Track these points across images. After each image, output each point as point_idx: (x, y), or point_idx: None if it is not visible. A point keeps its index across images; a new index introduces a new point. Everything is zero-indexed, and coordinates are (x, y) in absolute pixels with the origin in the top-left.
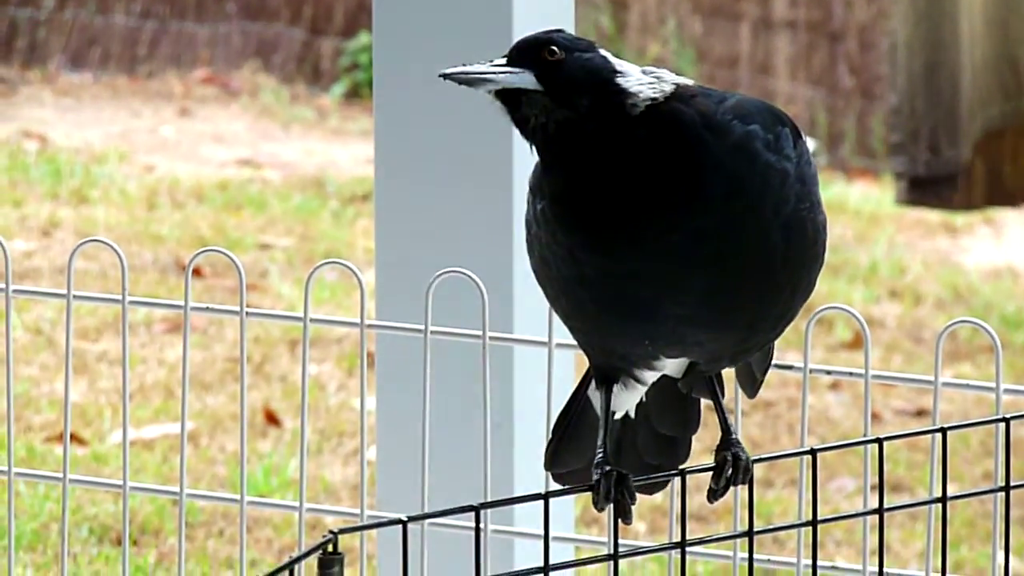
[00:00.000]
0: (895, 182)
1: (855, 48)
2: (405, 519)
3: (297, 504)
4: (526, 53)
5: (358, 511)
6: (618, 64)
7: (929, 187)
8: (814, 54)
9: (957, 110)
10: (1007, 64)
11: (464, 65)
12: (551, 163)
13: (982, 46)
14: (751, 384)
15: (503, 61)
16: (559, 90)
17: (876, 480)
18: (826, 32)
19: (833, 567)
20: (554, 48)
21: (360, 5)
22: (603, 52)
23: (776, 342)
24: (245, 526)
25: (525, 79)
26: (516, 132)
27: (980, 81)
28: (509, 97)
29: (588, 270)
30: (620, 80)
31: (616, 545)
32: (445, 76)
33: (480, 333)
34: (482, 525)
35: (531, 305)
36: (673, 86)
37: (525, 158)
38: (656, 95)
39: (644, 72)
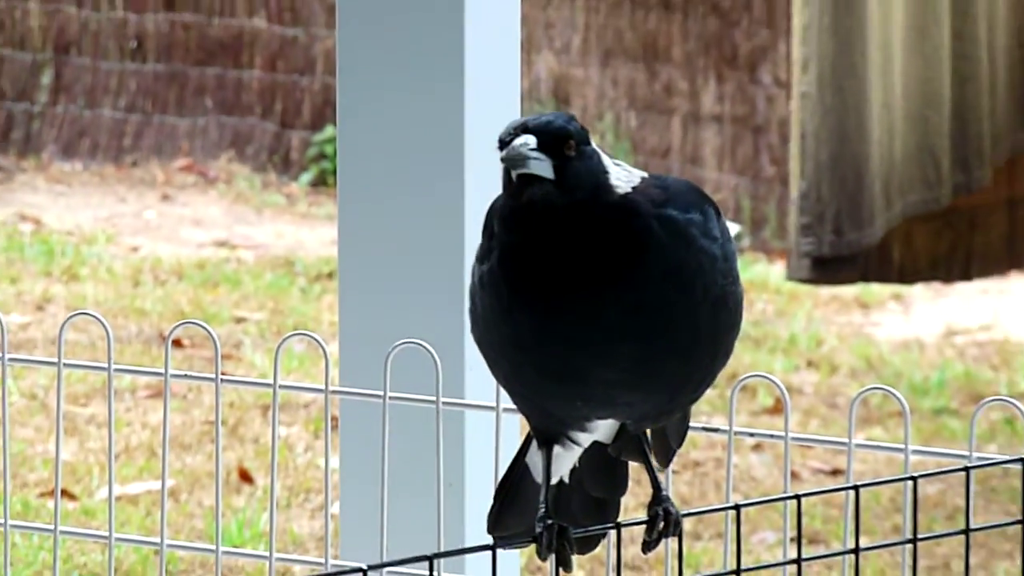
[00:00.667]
0: (799, 261)
1: (776, 140)
2: (365, 568)
3: (268, 554)
4: (551, 142)
5: (323, 560)
6: (607, 161)
7: (831, 266)
8: (739, 145)
9: (861, 197)
10: (928, 155)
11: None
12: (518, 226)
13: (902, 139)
14: (665, 454)
15: (533, 142)
16: (567, 182)
17: (795, 533)
18: (750, 126)
19: None
20: (571, 142)
21: (326, 101)
22: (596, 147)
23: (704, 407)
24: (220, 574)
25: (544, 167)
26: (467, 219)
27: (900, 170)
28: (526, 176)
29: (525, 332)
30: (610, 179)
31: None
32: (501, 156)
33: (434, 398)
34: (435, 573)
35: (481, 373)
36: (639, 179)
37: (474, 243)
38: (627, 188)
39: (616, 165)
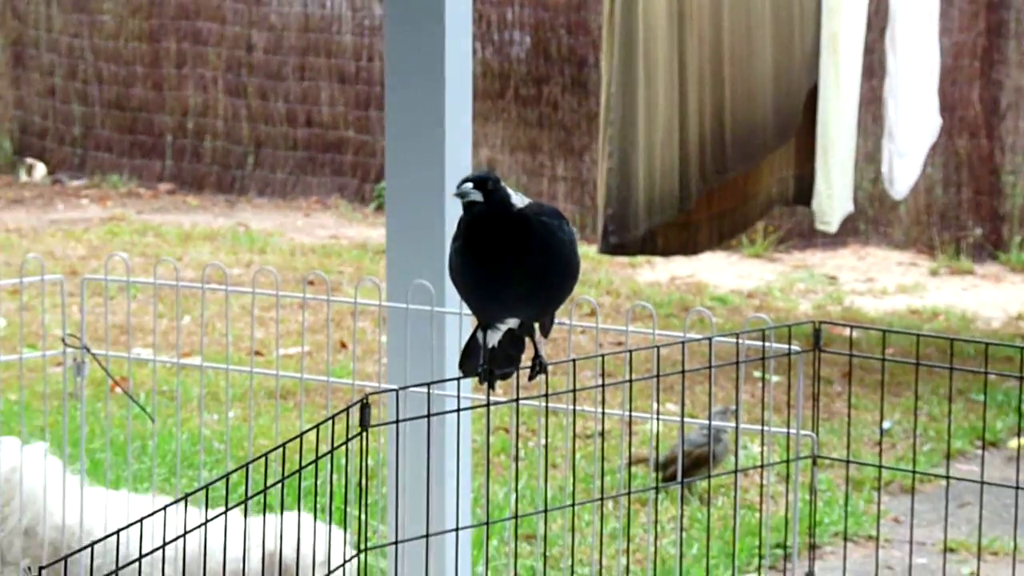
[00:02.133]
0: (602, 244)
1: (592, 188)
2: (396, 388)
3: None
4: (480, 183)
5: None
6: (510, 191)
7: (617, 248)
8: (574, 189)
9: (635, 212)
10: (670, 188)
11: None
12: (471, 227)
13: (659, 178)
14: (544, 332)
15: (471, 184)
16: (490, 203)
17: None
18: (580, 181)
19: None
20: (489, 182)
21: None
22: (504, 185)
23: (561, 312)
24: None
25: (476, 195)
26: (447, 226)
27: (656, 197)
28: (468, 201)
29: (475, 277)
30: (512, 200)
31: (519, 397)
32: (454, 193)
33: (430, 307)
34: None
35: (454, 297)
36: (528, 202)
37: (451, 235)
38: (522, 206)
39: (516, 193)
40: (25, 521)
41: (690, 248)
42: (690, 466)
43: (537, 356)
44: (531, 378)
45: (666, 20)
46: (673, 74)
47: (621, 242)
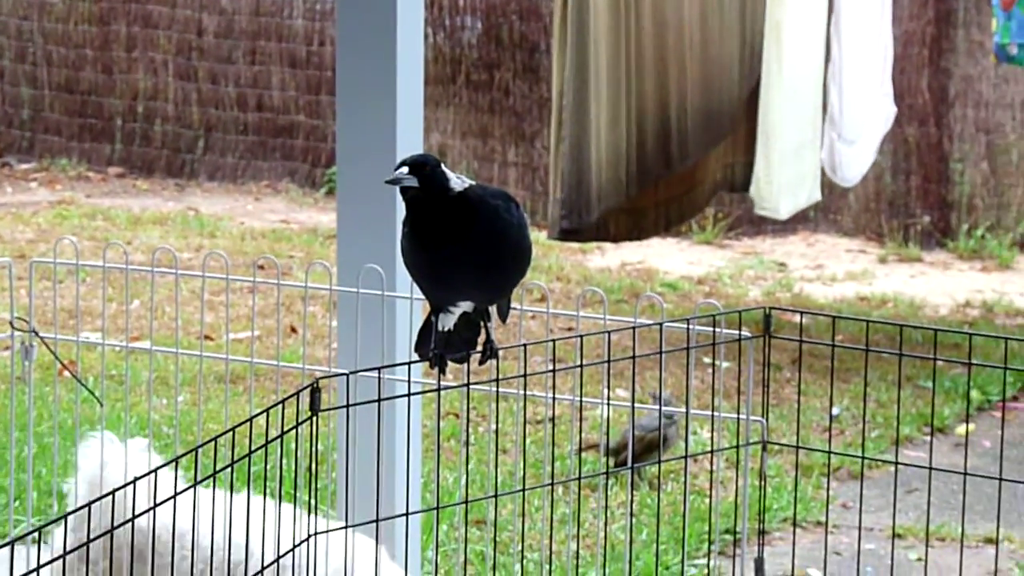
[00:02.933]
0: (553, 231)
1: (544, 174)
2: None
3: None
4: (416, 167)
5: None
6: (448, 172)
7: (569, 234)
8: (526, 174)
9: (587, 198)
10: (618, 177)
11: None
12: (413, 212)
13: (607, 167)
14: (502, 317)
15: (406, 169)
16: (426, 187)
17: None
18: (532, 166)
19: None
20: (426, 167)
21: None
22: (444, 168)
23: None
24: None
25: (412, 180)
26: (398, 211)
27: (605, 184)
28: (403, 187)
29: (421, 262)
30: (449, 183)
31: (469, 383)
32: (386, 180)
33: (381, 293)
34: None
35: (405, 280)
36: (469, 184)
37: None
38: (461, 188)
39: (457, 177)
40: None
41: (636, 234)
42: (642, 451)
43: (488, 341)
44: (481, 363)
45: (619, 5)
46: (627, 59)
47: (574, 227)
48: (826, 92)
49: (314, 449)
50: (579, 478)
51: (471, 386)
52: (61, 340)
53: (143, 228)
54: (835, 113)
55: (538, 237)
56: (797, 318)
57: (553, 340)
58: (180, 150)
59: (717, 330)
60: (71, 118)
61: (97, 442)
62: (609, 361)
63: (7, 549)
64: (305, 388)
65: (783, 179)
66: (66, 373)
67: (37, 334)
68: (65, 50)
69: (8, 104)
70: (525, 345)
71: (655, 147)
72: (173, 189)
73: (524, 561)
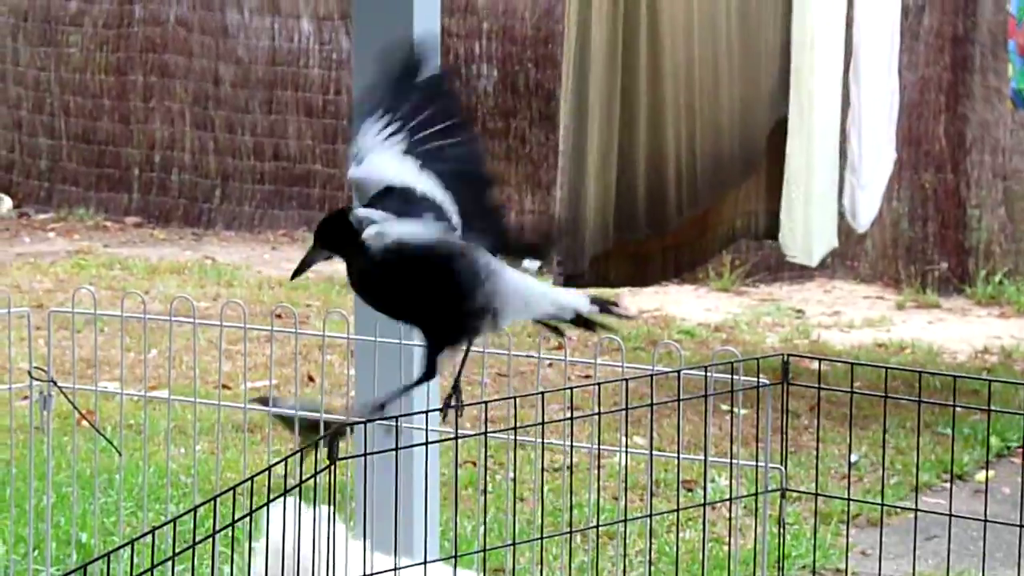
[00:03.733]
0: (556, 278)
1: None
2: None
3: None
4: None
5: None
6: (366, 218)
7: (568, 279)
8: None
9: (581, 243)
10: (623, 223)
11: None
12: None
13: (611, 212)
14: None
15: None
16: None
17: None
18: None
19: None
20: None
21: None
22: (352, 215)
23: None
24: None
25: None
26: None
27: (595, 222)
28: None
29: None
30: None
31: (487, 431)
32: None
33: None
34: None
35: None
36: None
37: None
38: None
39: (375, 220)
40: None
41: (639, 279)
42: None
43: (455, 386)
44: (443, 416)
45: (616, 53)
46: (621, 107)
47: (570, 273)
48: (847, 138)
49: (332, 497)
50: (597, 526)
51: (488, 434)
52: (79, 389)
53: (160, 277)
54: (855, 159)
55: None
56: (815, 365)
57: (571, 388)
58: (197, 199)
59: (735, 377)
60: (88, 168)
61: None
62: (627, 409)
63: None
64: (323, 437)
65: (812, 225)
66: (84, 423)
67: (55, 384)
68: (83, 100)
69: (26, 155)
70: (543, 393)
71: (647, 193)
72: (190, 238)
73: None
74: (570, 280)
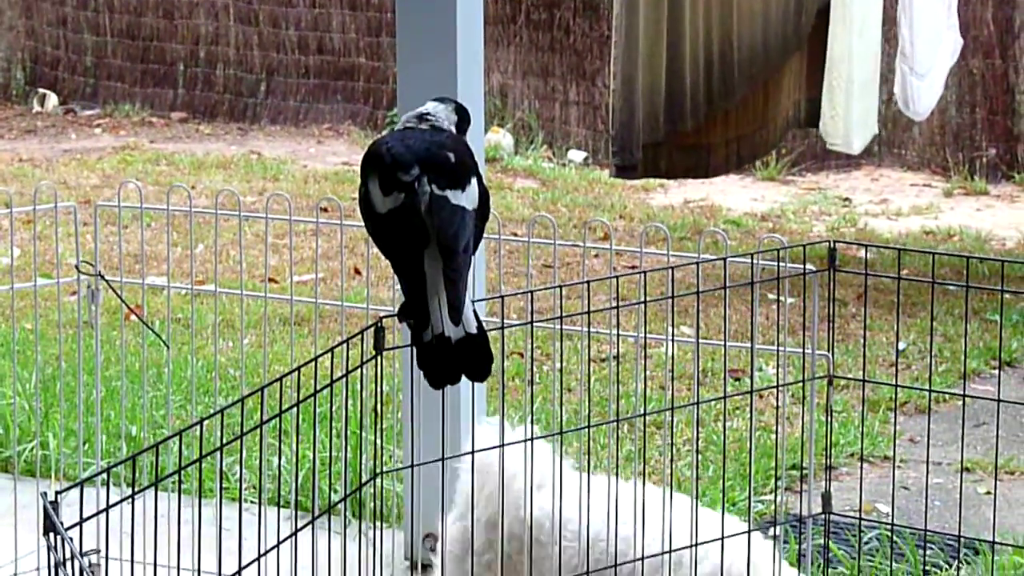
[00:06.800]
0: (613, 169)
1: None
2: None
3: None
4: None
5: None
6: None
7: (621, 170)
8: (587, 115)
9: (636, 133)
10: (671, 114)
11: None
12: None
13: (661, 107)
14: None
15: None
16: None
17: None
18: (592, 105)
19: None
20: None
21: None
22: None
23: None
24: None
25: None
26: None
27: (658, 110)
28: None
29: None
30: None
31: (532, 320)
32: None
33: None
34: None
35: None
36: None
37: None
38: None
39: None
40: (488, 512)
41: (702, 171)
42: None
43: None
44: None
45: None
46: None
47: (624, 164)
48: (897, 25)
49: (379, 388)
50: (644, 414)
51: (535, 324)
52: (127, 284)
53: (206, 172)
54: (906, 47)
55: (601, 175)
56: (862, 252)
57: (616, 277)
58: (242, 94)
59: (782, 264)
60: (134, 64)
61: (487, 428)
62: (673, 297)
63: (76, 491)
64: (369, 328)
65: (853, 114)
66: (132, 317)
67: (103, 278)
68: None
69: (72, 51)
70: (588, 282)
71: (710, 82)
72: (235, 133)
73: None
74: (622, 171)
